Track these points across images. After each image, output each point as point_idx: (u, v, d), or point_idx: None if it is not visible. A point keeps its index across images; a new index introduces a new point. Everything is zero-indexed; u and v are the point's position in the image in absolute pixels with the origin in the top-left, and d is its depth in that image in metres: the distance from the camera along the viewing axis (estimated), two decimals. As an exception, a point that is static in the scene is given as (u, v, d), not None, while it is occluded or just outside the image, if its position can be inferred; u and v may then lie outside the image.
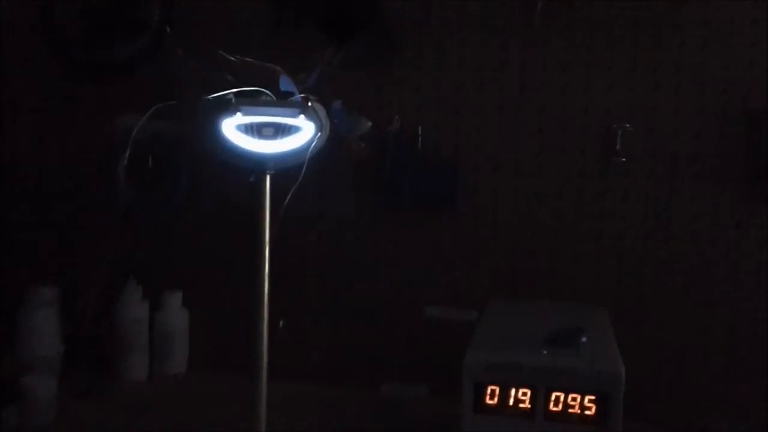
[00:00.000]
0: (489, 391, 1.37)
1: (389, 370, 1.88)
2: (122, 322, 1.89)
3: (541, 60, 1.78)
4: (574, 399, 1.34)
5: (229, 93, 1.07)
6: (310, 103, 1.09)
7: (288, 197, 1.13)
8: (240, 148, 1.09)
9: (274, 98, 1.11)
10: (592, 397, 1.33)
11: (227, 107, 1.06)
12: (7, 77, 2.03)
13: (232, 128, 1.08)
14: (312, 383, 1.85)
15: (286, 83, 1.17)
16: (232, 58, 1.15)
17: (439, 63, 1.82)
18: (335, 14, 1.68)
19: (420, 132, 1.83)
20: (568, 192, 1.80)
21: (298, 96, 1.11)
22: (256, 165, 1.12)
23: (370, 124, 1.36)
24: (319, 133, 1.12)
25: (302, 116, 1.09)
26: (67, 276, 1.98)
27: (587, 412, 1.34)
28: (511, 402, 1.36)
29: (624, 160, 1.76)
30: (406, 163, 1.81)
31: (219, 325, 1.97)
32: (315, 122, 1.10)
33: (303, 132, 1.11)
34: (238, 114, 1.07)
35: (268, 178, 1.14)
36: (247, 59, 1.17)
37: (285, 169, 1.14)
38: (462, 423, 1.37)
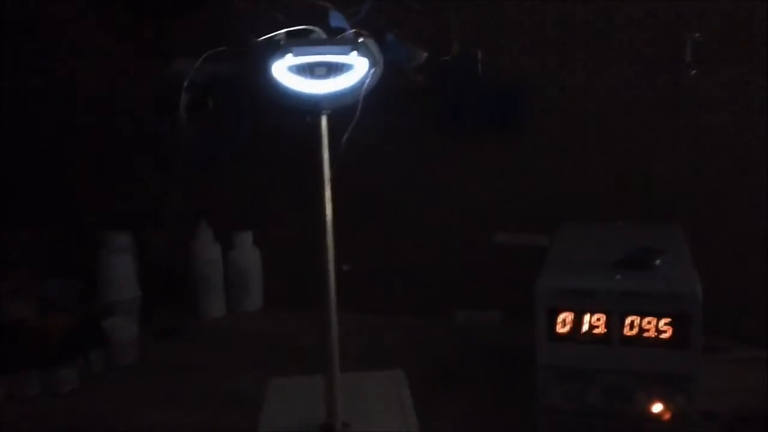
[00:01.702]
0: (562, 318, 1.35)
1: (462, 298, 1.88)
2: (197, 263, 1.93)
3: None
4: (649, 322, 1.31)
5: (278, 33, 1.05)
6: (361, 39, 1.06)
7: (345, 135, 1.11)
8: (293, 90, 1.07)
9: (325, 36, 1.08)
10: (668, 320, 1.30)
11: (277, 49, 1.04)
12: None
13: (284, 70, 1.06)
14: (386, 315, 1.87)
15: (336, 19, 1.13)
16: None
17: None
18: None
19: (480, 56, 1.77)
20: (639, 108, 1.73)
21: (350, 32, 1.08)
22: (310, 106, 1.10)
23: (425, 54, 1.31)
24: (373, 69, 1.09)
25: (354, 53, 1.06)
26: (140, 221, 2.03)
27: (663, 336, 1.31)
28: (585, 328, 1.34)
29: (694, 72, 1.67)
30: (469, 88, 1.77)
31: (290, 263, 2.00)
32: (368, 58, 1.07)
33: (356, 69, 1.08)
34: (289, 55, 1.04)
35: (324, 118, 1.12)
36: (295, -4, 1.13)
37: (341, 108, 1.12)
38: (537, 350, 1.36)
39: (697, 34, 1.65)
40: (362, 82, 1.08)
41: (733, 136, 1.68)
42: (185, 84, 1.19)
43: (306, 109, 1.10)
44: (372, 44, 1.07)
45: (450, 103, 1.79)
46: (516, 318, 1.75)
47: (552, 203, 1.81)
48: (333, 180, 1.15)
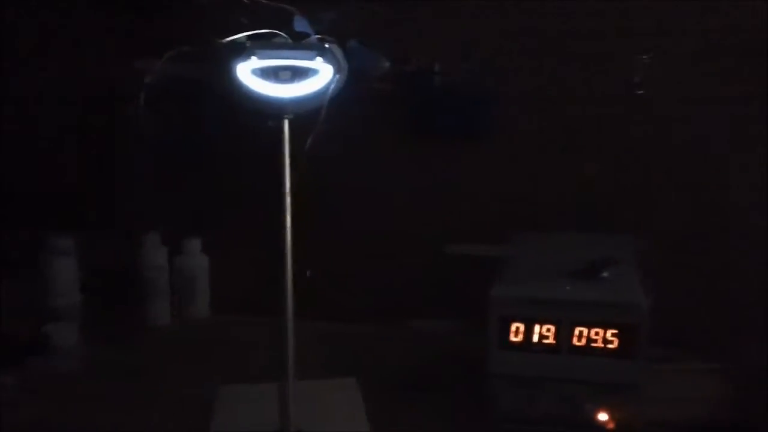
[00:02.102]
0: (514, 328, 1.37)
1: (418, 308, 1.89)
2: (143, 268, 1.90)
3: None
4: (597, 333, 1.35)
5: (242, 36, 1.05)
6: (327, 45, 1.07)
7: (309, 141, 1.11)
8: (257, 92, 1.07)
9: (289, 40, 1.08)
10: (615, 331, 1.34)
11: (241, 51, 1.03)
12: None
13: (248, 73, 1.06)
14: (342, 322, 1.86)
15: (301, 24, 1.14)
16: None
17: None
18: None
19: (438, 68, 1.79)
20: (598, 121, 1.77)
21: (314, 37, 1.09)
22: (274, 110, 1.10)
23: (388, 63, 1.32)
24: (338, 76, 1.09)
25: (319, 58, 1.07)
26: (85, 223, 1.98)
27: (610, 346, 1.34)
28: (536, 337, 1.37)
29: (642, 92, 1.72)
30: (430, 97, 1.78)
31: (240, 270, 1.98)
32: (333, 64, 1.08)
33: (321, 75, 1.09)
34: (253, 58, 1.04)
35: (286, 123, 1.12)
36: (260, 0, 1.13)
37: (304, 113, 1.12)
38: (488, 359, 1.38)
39: (646, 57, 1.70)
40: (327, 87, 1.09)
41: (690, 151, 1.74)
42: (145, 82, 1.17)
43: (270, 112, 1.10)
44: (337, 50, 1.08)
45: (412, 110, 1.81)
46: (472, 327, 1.78)
47: (509, 213, 1.83)
48: (293, 186, 1.15)
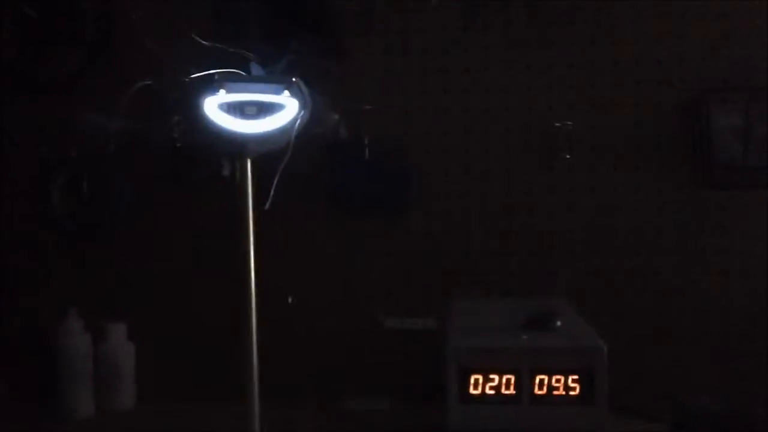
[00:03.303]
0: (473, 380, 1.35)
1: (350, 385, 1.83)
2: (64, 355, 1.77)
3: (483, 61, 1.82)
4: (558, 380, 1.34)
5: (211, 72, 1.04)
6: (294, 79, 1.07)
7: (275, 179, 1.09)
8: (224, 128, 1.05)
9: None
10: (576, 377, 1.33)
11: (211, 84, 1.02)
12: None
13: (215, 107, 1.04)
14: (272, 402, 1.78)
15: (257, 70, 1.14)
16: (205, 42, 1.11)
17: (385, 68, 1.83)
18: (280, 21, 1.66)
19: (367, 141, 1.82)
20: (517, 190, 1.82)
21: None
22: (237, 147, 1.08)
23: (337, 116, 1.34)
24: (302, 112, 1.09)
25: (286, 92, 1.06)
26: (3, 308, 1.85)
27: (572, 392, 1.34)
28: (495, 389, 1.35)
29: (568, 156, 1.80)
30: (357, 169, 1.80)
31: (166, 356, 1.88)
32: (299, 99, 1.08)
33: (287, 110, 1.08)
34: (222, 91, 1.03)
35: (249, 162, 1.10)
36: (218, 44, 1.13)
37: (265, 152, 1.11)
38: (448, 414, 1.35)
39: (569, 123, 1.79)
40: (292, 123, 1.08)
41: (622, 215, 1.80)
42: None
43: (233, 150, 1.08)
44: (303, 86, 1.08)
45: (337, 184, 1.81)
46: (404, 404, 1.74)
47: (438, 283, 1.83)
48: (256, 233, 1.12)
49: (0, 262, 1.93)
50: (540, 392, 1.34)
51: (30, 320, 1.90)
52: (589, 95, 1.80)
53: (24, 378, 1.78)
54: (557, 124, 1.80)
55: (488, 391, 1.35)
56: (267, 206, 1.10)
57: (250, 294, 1.14)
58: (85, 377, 1.78)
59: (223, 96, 1.04)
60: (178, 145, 1.15)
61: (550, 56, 1.80)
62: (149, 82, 1.05)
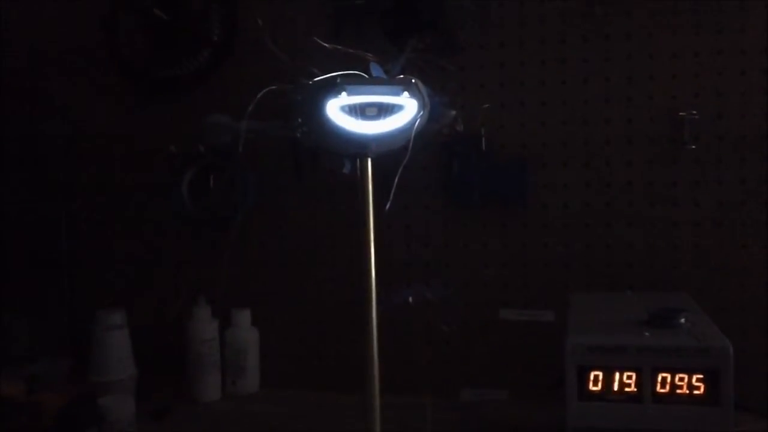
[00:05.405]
0: (593, 377, 1.33)
1: (468, 376, 1.85)
2: (194, 341, 1.86)
3: (604, 51, 1.78)
4: (681, 379, 1.31)
5: (333, 75, 1.07)
6: (413, 80, 1.09)
7: (396, 178, 1.12)
8: (345, 129, 1.08)
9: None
10: (700, 376, 1.30)
11: (333, 87, 1.05)
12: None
13: (336, 109, 1.07)
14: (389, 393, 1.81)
15: (377, 70, 1.16)
16: (325, 45, 1.14)
17: (501, 62, 1.82)
18: (398, 19, 1.68)
19: (483, 133, 1.82)
20: (638, 181, 1.78)
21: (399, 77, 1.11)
22: (358, 147, 1.11)
23: (454, 112, 1.34)
24: (422, 112, 1.11)
25: (406, 93, 1.08)
26: (137, 297, 1.97)
27: (696, 392, 1.30)
28: (616, 386, 1.33)
29: (693, 147, 1.74)
30: (474, 163, 1.80)
31: (289, 343, 1.96)
32: (418, 100, 1.10)
33: (406, 110, 1.10)
34: (343, 94, 1.06)
35: (369, 161, 1.12)
36: (338, 46, 1.16)
37: (385, 151, 1.13)
38: (567, 411, 1.34)
39: (694, 112, 1.73)
40: (412, 123, 1.10)
41: (732, 211, 1.73)
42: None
43: (353, 150, 1.11)
44: (422, 86, 1.10)
45: (455, 177, 1.82)
46: (522, 396, 1.73)
47: (557, 276, 1.81)
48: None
49: (137, 254, 2.05)
50: (662, 390, 1.31)
51: (163, 306, 2.01)
52: (715, 83, 1.73)
53: (156, 362, 1.87)
54: (682, 114, 1.74)
55: (608, 389, 1.33)
56: (388, 206, 1.12)
57: (371, 287, 1.16)
58: (213, 362, 1.88)
59: (344, 98, 1.06)
60: (301, 144, 1.18)
61: (674, 44, 1.74)
62: (274, 87, 1.09)
